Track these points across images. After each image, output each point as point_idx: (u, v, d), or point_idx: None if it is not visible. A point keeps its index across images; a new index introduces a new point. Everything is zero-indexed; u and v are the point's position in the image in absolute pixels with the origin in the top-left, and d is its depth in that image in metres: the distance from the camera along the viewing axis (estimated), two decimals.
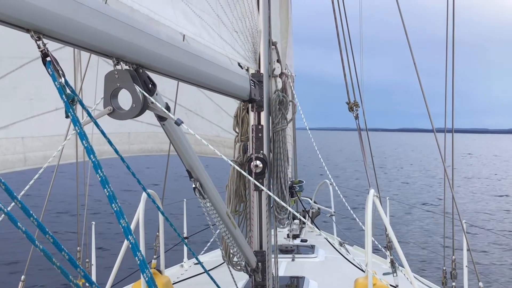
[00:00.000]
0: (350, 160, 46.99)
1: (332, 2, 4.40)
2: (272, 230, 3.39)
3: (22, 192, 1.79)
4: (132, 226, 3.68)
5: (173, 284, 4.47)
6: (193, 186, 2.35)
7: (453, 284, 4.76)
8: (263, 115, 3.13)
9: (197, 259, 2.56)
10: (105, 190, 1.29)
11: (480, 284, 4.40)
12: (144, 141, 6.51)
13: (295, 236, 6.78)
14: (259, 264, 3.16)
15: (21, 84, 4.73)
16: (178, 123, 1.76)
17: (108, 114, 1.61)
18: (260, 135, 3.11)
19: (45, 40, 1.26)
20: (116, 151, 1.60)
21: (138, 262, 1.33)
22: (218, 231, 2.79)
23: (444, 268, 5.01)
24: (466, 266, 4.66)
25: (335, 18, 4.39)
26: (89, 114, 1.42)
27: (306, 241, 6.60)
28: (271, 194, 2.74)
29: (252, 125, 3.12)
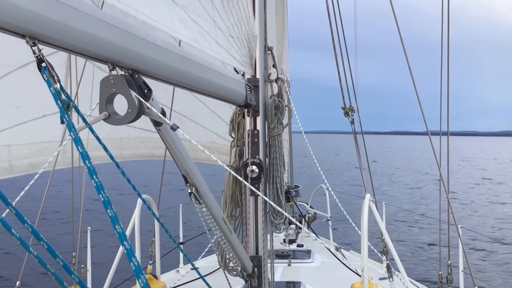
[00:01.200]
0: (345, 163, 47.09)
1: (327, 8, 4.42)
2: (268, 235, 3.39)
3: (18, 198, 1.79)
4: (128, 232, 3.67)
5: None
6: (189, 191, 2.35)
7: None
8: (259, 120, 3.13)
9: (192, 265, 2.55)
10: (100, 195, 1.29)
11: None
12: (136, 146, 6.49)
13: (291, 241, 6.77)
14: (255, 269, 3.15)
15: (7, 91, 4.68)
16: (174, 128, 1.76)
17: (104, 120, 1.61)
18: (256, 140, 3.11)
19: (40, 46, 1.26)
20: (111, 157, 1.59)
21: (133, 267, 1.32)
22: (214, 236, 2.79)
23: (440, 272, 5.02)
24: (462, 270, 4.67)
25: (330, 23, 4.41)
26: (84, 120, 1.42)
27: (302, 246, 6.59)
28: (267, 199, 2.74)
29: (248, 130, 3.12)
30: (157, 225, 3.99)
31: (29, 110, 4.87)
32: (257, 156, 3.08)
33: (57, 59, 4.29)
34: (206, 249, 6.15)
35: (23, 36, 1.22)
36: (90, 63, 4.40)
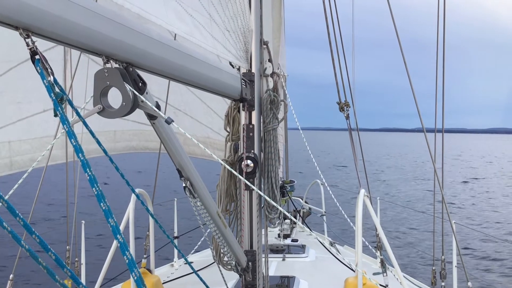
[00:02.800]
0: (340, 160, 47.27)
1: (324, 4, 4.41)
2: (263, 230, 3.40)
3: (11, 192, 1.78)
4: (122, 226, 3.66)
5: (163, 283, 4.46)
6: (184, 185, 2.34)
7: (443, 284, 4.80)
8: (254, 114, 3.13)
9: (185, 259, 2.55)
10: (94, 189, 1.28)
11: (469, 284, 4.43)
12: (130, 138, 6.48)
13: (285, 236, 6.79)
14: (250, 263, 3.16)
15: (9, 88, 4.66)
16: (169, 121, 1.75)
17: (98, 113, 1.60)
18: (251, 134, 3.10)
19: (34, 38, 1.25)
20: (105, 151, 1.59)
21: (127, 261, 1.32)
22: (208, 230, 2.79)
23: (433, 268, 5.04)
24: (456, 266, 4.69)
25: (326, 18, 4.40)
26: (77, 113, 1.41)
27: (296, 240, 6.61)
28: (261, 193, 2.74)
29: (243, 125, 3.12)
30: (151, 219, 3.99)
31: (30, 106, 4.84)
32: (252, 151, 3.08)
33: (54, 53, 4.26)
34: (199, 243, 6.15)
35: (16, 28, 1.21)
36: (85, 56, 4.38)
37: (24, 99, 4.78)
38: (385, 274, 4.32)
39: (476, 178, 35.12)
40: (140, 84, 1.69)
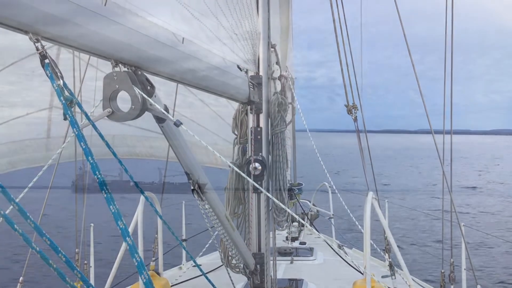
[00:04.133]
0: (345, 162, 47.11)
1: (331, 8, 4.40)
2: (271, 233, 3.39)
3: (21, 195, 1.79)
4: (131, 228, 3.67)
5: (172, 286, 4.46)
6: (192, 188, 2.35)
7: (452, 287, 4.76)
8: (262, 117, 3.13)
9: (194, 262, 2.55)
10: (103, 191, 1.29)
11: (478, 287, 4.40)
12: (132, 144, 6.43)
13: (294, 239, 6.77)
14: (258, 266, 3.16)
15: None
16: (177, 124, 1.76)
17: (107, 116, 1.61)
18: (259, 137, 3.10)
19: (43, 42, 1.26)
20: (114, 154, 1.60)
21: (136, 263, 1.33)
22: (216, 233, 2.79)
23: (442, 271, 5.01)
24: (465, 269, 4.66)
25: (334, 21, 4.39)
26: (87, 116, 1.42)
27: (305, 243, 6.60)
28: (270, 196, 2.74)
29: (251, 127, 3.12)
30: (159, 222, 4.00)
31: (12, 110, 4.84)
32: (260, 154, 3.08)
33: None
34: (207, 245, 6.15)
35: (26, 32, 1.22)
36: (78, 57, 4.38)
37: (5, 103, 4.78)
38: (393, 277, 4.30)
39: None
40: (149, 87, 1.70)
